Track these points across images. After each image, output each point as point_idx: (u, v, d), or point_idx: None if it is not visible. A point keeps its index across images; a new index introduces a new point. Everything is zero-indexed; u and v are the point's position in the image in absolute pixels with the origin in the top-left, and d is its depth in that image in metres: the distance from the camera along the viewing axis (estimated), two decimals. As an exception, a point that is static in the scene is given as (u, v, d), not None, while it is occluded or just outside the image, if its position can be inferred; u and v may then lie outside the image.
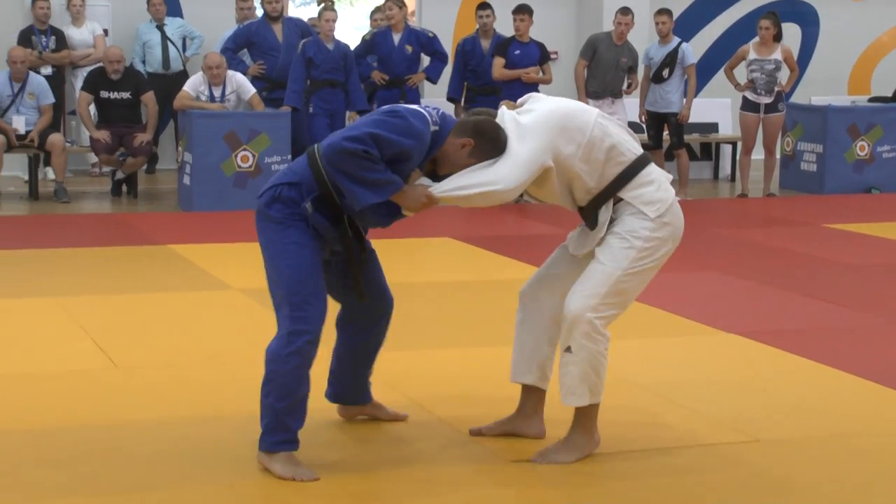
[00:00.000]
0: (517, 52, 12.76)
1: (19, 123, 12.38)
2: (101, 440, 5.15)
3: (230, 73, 12.30)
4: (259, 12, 13.78)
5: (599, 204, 4.87)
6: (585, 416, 4.97)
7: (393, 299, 5.25)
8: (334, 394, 5.36)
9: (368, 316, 5.20)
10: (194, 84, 12.24)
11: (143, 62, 14.29)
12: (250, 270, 8.76)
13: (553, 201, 4.97)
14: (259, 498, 4.65)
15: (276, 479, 4.69)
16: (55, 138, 12.43)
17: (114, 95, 12.64)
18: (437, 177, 4.81)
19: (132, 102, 12.72)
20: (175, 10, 14.96)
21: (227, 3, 14.71)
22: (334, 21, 12.48)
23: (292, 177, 4.88)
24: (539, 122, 4.74)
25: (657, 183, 4.90)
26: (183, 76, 13.98)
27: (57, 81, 13.57)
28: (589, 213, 4.91)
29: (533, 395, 5.18)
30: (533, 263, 9.10)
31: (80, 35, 14.26)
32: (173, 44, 14.51)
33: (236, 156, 11.88)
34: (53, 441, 5.13)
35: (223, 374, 6.25)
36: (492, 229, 10.84)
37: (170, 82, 14.00)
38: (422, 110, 4.78)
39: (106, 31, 14.53)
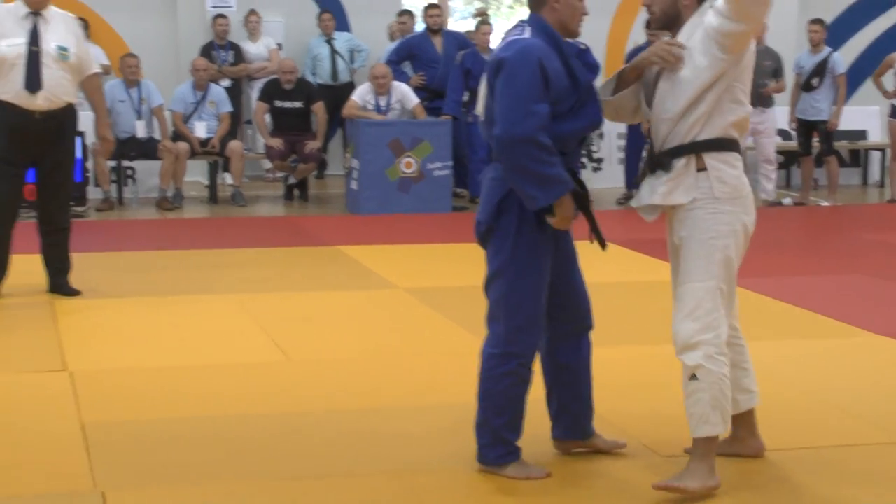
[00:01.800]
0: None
1: (200, 130, 12.68)
2: (278, 428, 5.28)
3: (395, 83, 12.45)
4: (419, 26, 13.94)
5: (682, 153, 4.53)
6: (707, 446, 4.51)
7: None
8: (562, 432, 4.97)
9: (573, 325, 4.86)
10: (361, 93, 12.42)
11: (314, 74, 14.53)
12: (414, 271, 8.96)
13: (662, 112, 4.58)
14: (464, 485, 4.66)
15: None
16: (234, 145, 12.73)
17: (287, 105, 12.91)
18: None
19: (304, 111, 12.97)
20: (343, 25, 15.19)
21: (391, 17, 14.93)
22: (490, 34, 12.56)
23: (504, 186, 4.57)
24: None
25: (739, 171, 4.57)
26: (350, 87, 14.19)
27: (235, 92, 13.86)
28: (665, 159, 4.57)
29: (744, 417, 4.85)
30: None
31: (256, 49, 14.58)
32: (341, 57, 14.73)
33: (400, 162, 12.02)
34: (233, 427, 5.27)
35: (389, 367, 6.34)
36: (643, 233, 10.76)
37: (338, 93, 14.21)
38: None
39: (280, 46, 14.82)
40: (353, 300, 8.05)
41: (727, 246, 4.49)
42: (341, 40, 14.79)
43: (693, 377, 4.47)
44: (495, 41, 12.86)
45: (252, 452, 4.97)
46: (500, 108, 4.46)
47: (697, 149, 4.50)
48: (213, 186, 13.01)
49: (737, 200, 4.51)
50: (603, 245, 4.72)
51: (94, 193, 12.33)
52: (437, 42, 13.22)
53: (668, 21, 4.61)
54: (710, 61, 4.43)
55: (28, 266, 8.00)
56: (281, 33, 15.10)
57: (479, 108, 4.72)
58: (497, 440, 4.65)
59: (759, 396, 4.86)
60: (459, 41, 13.18)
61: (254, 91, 14.30)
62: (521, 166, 4.43)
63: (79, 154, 11.70)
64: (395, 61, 13.16)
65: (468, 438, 4.72)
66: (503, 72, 4.48)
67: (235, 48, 14.24)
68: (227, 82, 13.96)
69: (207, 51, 13.94)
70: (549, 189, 4.43)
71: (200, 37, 14.43)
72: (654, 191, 4.58)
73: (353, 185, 12.25)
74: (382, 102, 12.36)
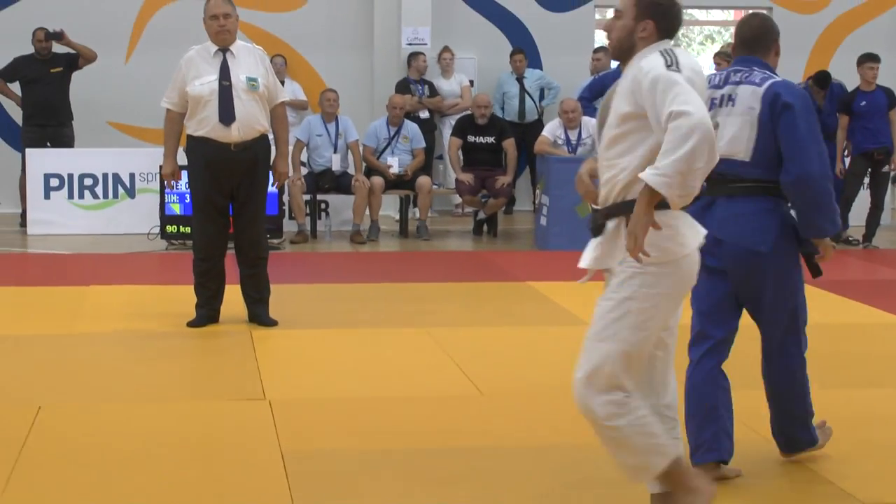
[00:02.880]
0: (863, 102, 12.38)
1: (393, 164, 12.83)
2: (473, 462, 5.28)
3: (585, 118, 12.42)
4: (613, 63, 13.88)
5: (613, 214, 4.31)
6: (674, 477, 4.36)
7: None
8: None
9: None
10: (552, 129, 12.44)
11: (502, 110, 14.61)
12: (605, 308, 8.86)
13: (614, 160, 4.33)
14: None
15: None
16: (422, 180, 12.83)
17: (479, 140, 12.98)
18: None
19: (495, 147, 13.02)
20: (535, 62, 15.24)
21: (584, 52, 14.94)
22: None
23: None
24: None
25: (674, 231, 4.22)
26: (537, 125, 14.23)
27: (428, 127, 14.00)
28: (601, 219, 4.40)
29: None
30: (882, 308, 8.86)
31: (449, 86, 14.71)
32: (530, 95, 14.79)
33: (590, 199, 11.94)
34: (428, 460, 5.28)
35: (581, 405, 6.29)
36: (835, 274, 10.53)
37: (525, 130, 14.29)
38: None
39: (471, 82, 14.93)
40: (543, 336, 8.00)
41: (643, 310, 4.25)
42: (532, 78, 14.84)
43: (609, 434, 4.34)
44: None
45: (446, 485, 4.98)
46: (794, 148, 4.83)
47: (627, 209, 4.21)
48: (403, 220, 13.14)
49: (666, 265, 4.23)
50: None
51: (289, 226, 12.54)
52: None
53: (622, 52, 4.41)
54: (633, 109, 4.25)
55: (228, 296, 8.17)
56: (473, 70, 15.22)
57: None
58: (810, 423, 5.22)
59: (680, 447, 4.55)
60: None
61: (445, 127, 14.44)
62: (818, 202, 4.85)
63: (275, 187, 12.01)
64: (588, 98, 13.14)
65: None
66: (792, 114, 4.83)
67: (429, 84, 14.39)
68: (425, 114, 14.10)
69: (404, 86, 14.10)
70: (836, 223, 4.92)
71: (395, 73, 14.63)
72: (588, 254, 4.53)
73: (543, 220, 12.25)
74: (572, 137, 12.35)
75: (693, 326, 5.19)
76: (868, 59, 12.60)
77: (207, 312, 8.09)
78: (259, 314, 8.11)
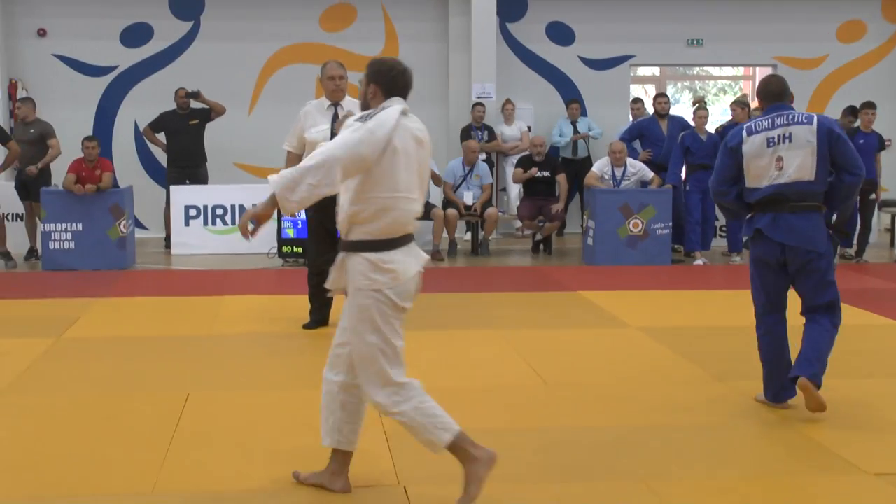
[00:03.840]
0: (861, 141, 12.23)
1: (468, 197, 12.84)
2: (540, 439, 5.28)
3: (630, 159, 12.41)
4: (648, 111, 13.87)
5: (343, 249, 4.36)
6: (458, 449, 4.36)
7: None
8: None
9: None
10: (601, 165, 12.40)
11: (558, 148, 14.64)
12: (645, 312, 8.83)
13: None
14: (704, 488, 4.65)
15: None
16: (491, 211, 12.79)
17: (537, 175, 12.97)
18: None
19: (550, 180, 12.99)
20: (581, 110, 15.25)
21: (621, 103, 14.94)
22: (706, 118, 12.35)
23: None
24: None
25: (374, 267, 4.25)
26: (587, 161, 14.24)
27: (489, 166, 14.02)
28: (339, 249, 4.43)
29: (338, 457, 4.60)
30: (874, 312, 8.73)
31: (510, 131, 14.71)
32: (592, 134, 14.82)
33: (629, 222, 11.93)
34: (505, 437, 5.25)
35: (629, 392, 6.26)
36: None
37: (577, 165, 14.29)
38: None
39: (529, 128, 14.93)
40: (593, 335, 7.98)
41: (370, 319, 4.29)
42: (582, 123, 14.82)
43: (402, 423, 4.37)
44: (710, 125, 12.72)
45: (522, 458, 4.98)
46: (850, 160, 5.59)
47: (348, 247, 4.35)
48: (474, 241, 13.15)
49: (371, 291, 4.27)
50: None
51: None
52: (664, 124, 13.14)
53: (365, 109, 4.49)
54: None
55: (336, 304, 8.20)
56: (531, 117, 15.22)
57: (794, 172, 5.58)
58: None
59: (356, 445, 4.57)
60: (681, 124, 13.01)
61: (508, 165, 14.45)
62: (857, 194, 5.83)
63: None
64: (627, 139, 13.15)
65: (698, 452, 4.61)
66: (843, 139, 5.61)
67: (489, 129, 14.40)
68: (482, 156, 14.12)
69: (466, 132, 14.14)
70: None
71: (466, 121, 14.67)
72: (329, 277, 4.50)
73: (589, 241, 12.20)
74: (618, 173, 12.30)
75: (762, 305, 5.83)
76: (867, 106, 12.53)
77: (319, 317, 8.14)
78: (319, 320, 8.17)
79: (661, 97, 13.46)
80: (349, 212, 4.29)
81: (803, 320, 5.79)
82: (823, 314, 5.71)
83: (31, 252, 12.36)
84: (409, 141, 4.36)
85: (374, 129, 4.26)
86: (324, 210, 7.87)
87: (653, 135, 13.16)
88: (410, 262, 4.36)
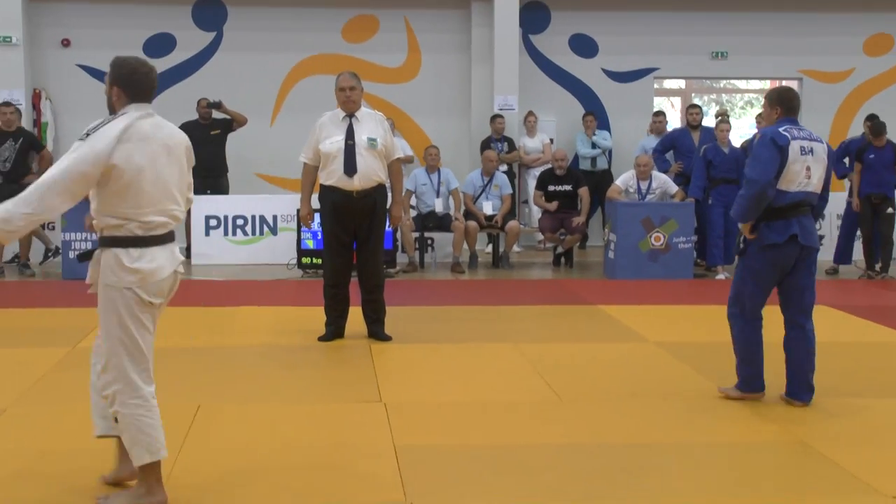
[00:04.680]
0: (872, 155, 12.08)
1: (487, 208, 12.77)
2: (555, 456, 5.18)
3: (655, 172, 12.32)
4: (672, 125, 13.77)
5: (99, 245, 4.40)
6: (147, 473, 4.35)
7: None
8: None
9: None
10: (625, 179, 12.32)
11: (579, 163, 14.54)
12: (665, 327, 8.73)
13: None
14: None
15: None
16: (512, 224, 12.71)
17: (558, 188, 12.88)
18: None
19: (572, 194, 12.90)
20: (604, 124, 15.17)
21: (645, 115, 14.86)
22: (728, 131, 12.22)
23: None
24: None
25: (116, 266, 4.30)
26: (607, 174, 14.17)
27: (510, 177, 13.98)
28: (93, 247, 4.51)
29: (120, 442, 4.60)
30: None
31: (533, 143, 14.65)
32: (600, 149, 14.70)
33: (651, 236, 11.83)
34: (518, 454, 5.19)
35: (646, 408, 6.15)
36: (858, 300, 10.30)
37: (596, 178, 14.23)
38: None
39: (551, 140, 14.86)
40: (612, 350, 7.87)
41: (110, 318, 4.34)
42: (600, 137, 14.73)
43: (115, 419, 4.42)
44: (736, 138, 12.60)
45: (534, 476, 4.88)
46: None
47: (101, 243, 4.40)
48: (494, 254, 13.09)
49: (112, 288, 4.32)
50: None
51: (401, 258, 12.54)
52: (696, 136, 13.01)
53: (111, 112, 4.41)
54: None
55: (352, 316, 8.16)
56: (553, 130, 15.15)
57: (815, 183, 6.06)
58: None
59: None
60: (714, 136, 12.88)
61: (530, 176, 14.38)
62: None
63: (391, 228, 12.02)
64: (660, 151, 13.11)
65: (715, 471, 4.51)
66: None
67: (509, 141, 14.34)
68: (503, 167, 14.06)
69: (486, 144, 14.08)
70: None
71: (488, 133, 14.62)
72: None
73: (611, 254, 12.11)
74: (643, 186, 12.21)
75: (759, 306, 6.17)
76: (867, 119, 12.45)
77: (335, 330, 8.08)
78: (376, 332, 8.09)
79: (693, 108, 13.32)
80: (97, 219, 4.36)
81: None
82: (808, 317, 6.17)
83: (47, 253, 12.41)
84: (157, 153, 4.34)
85: (95, 143, 4.21)
86: (340, 221, 7.85)
87: (684, 146, 13.02)
88: (161, 261, 4.37)
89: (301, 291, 10.71)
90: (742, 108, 23.37)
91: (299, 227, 11.87)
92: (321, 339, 8.04)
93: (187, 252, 13.32)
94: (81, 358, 7.41)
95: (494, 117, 14.28)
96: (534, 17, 15.26)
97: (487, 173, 12.87)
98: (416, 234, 12.72)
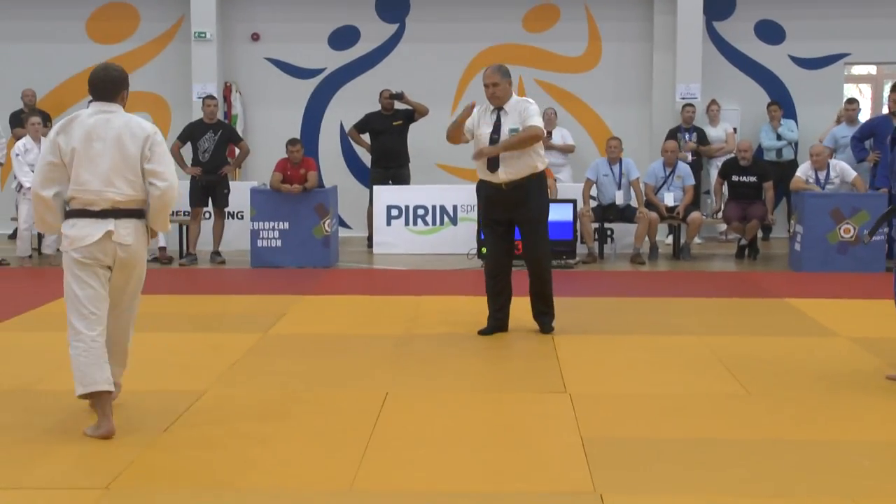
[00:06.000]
0: None
1: (668, 199, 12.62)
2: (743, 451, 5.08)
3: (833, 161, 11.98)
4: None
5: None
6: (96, 408, 5.29)
7: None
8: None
9: None
10: (804, 170, 12.07)
11: (763, 154, 14.22)
12: (857, 322, 8.45)
13: None
14: None
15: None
16: (695, 216, 12.52)
17: (742, 179, 12.63)
18: None
19: (757, 185, 12.63)
20: (790, 113, 14.77)
21: (835, 103, 14.42)
22: (928, 117, 11.75)
23: None
24: None
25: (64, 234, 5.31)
26: (793, 163, 13.79)
27: (696, 167, 13.76)
28: None
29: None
30: None
31: (716, 132, 14.40)
32: (785, 140, 14.33)
33: (840, 228, 11.47)
34: (706, 448, 5.12)
35: (839, 404, 5.97)
36: None
37: (783, 168, 13.88)
38: None
39: (735, 130, 14.57)
40: (800, 344, 7.68)
41: (66, 279, 5.34)
42: (786, 127, 14.35)
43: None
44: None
45: (717, 470, 4.82)
46: None
47: None
48: (675, 245, 12.91)
49: (66, 254, 5.33)
50: None
51: (581, 249, 12.50)
52: None
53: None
54: None
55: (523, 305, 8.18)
56: (737, 119, 14.84)
57: None
58: None
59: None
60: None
61: (713, 168, 14.13)
62: None
63: (570, 217, 12.01)
64: (858, 138, 12.69)
65: None
66: None
67: (699, 130, 14.12)
68: (690, 157, 13.86)
69: (672, 134, 13.89)
70: None
71: (670, 122, 14.44)
72: None
73: (797, 246, 11.79)
74: (821, 176, 11.88)
75: None
76: None
77: (496, 322, 8.00)
78: (542, 323, 8.03)
79: (893, 92, 12.80)
80: None
81: None
82: None
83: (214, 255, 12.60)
84: (91, 141, 5.25)
85: (50, 134, 5.35)
86: (493, 211, 7.82)
87: (884, 134, 12.44)
88: (89, 230, 5.26)
89: (481, 281, 10.76)
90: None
91: (479, 217, 11.95)
92: (481, 332, 7.96)
93: (369, 241, 13.58)
94: (274, 343, 7.69)
95: (685, 106, 14.09)
96: (718, 2, 14.95)
97: (668, 163, 12.70)
98: (596, 225, 12.65)
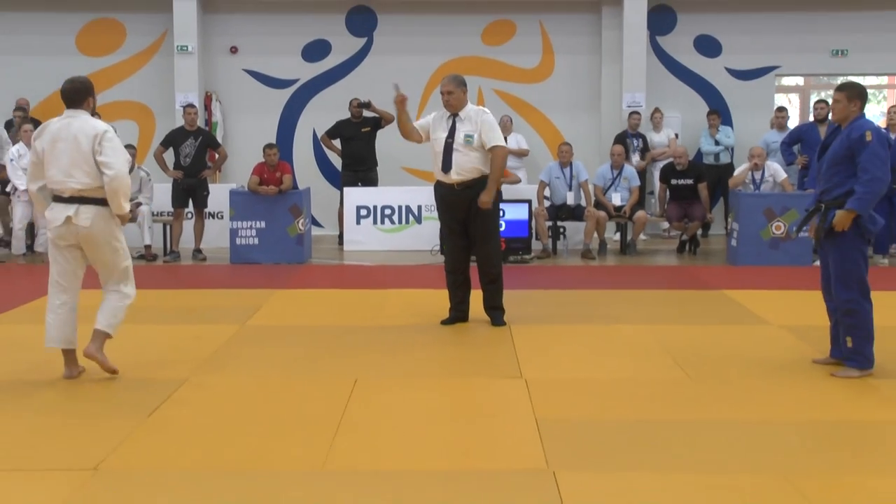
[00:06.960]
0: None
1: (616, 199, 12.64)
2: (686, 431, 5.11)
3: (768, 162, 12.05)
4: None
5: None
6: (63, 357, 6.10)
7: None
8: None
9: None
10: (741, 170, 12.12)
11: (703, 158, 14.31)
12: (788, 311, 8.50)
13: None
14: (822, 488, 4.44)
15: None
16: (640, 214, 12.56)
17: (680, 182, 12.68)
18: None
19: (693, 187, 12.67)
20: (727, 120, 14.87)
21: (766, 114, 14.48)
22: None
23: None
24: None
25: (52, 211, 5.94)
26: (729, 167, 13.87)
27: (641, 170, 13.83)
28: None
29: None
30: None
31: (659, 138, 14.45)
32: (723, 146, 14.41)
33: (772, 225, 11.54)
34: (651, 428, 5.15)
35: (772, 387, 5.99)
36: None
37: (720, 170, 14.03)
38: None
39: (676, 135, 14.62)
40: (736, 332, 7.71)
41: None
42: (723, 134, 14.44)
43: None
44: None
45: (668, 448, 4.83)
46: None
47: None
48: (622, 241, 12.95)
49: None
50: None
51: (535, 245, 12.50)
52: (822, 130, 12.59)
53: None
54: None
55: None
56: (678, 125, 14.90)
57: None
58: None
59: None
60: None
61: (656, 169, 14.18)
62: None
63: (526, 216, 12.01)
64: (788, 143, 12.81)
65: (841, 448, 4.38)
66: None
67: (643, 137, 14.17)
68: (636, 160, 13.91)
69: (620, 139, 13.92)
70: None
71: (617, 128, 14.48)
72: None
73: (734, 242, 11.85)
74: (757, 176, 11.95)
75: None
76: None
77: (456, 314, 7.99)
78: (493, 317, 7.97)
79: (819, 103, 12.93)
80: None
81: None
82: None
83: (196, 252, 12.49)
84: (56, 142, 5.90)
85: (32, 141, 6.06)
86: (447, 211, 7.79)
87: (811, 139, 12.61)
88: (57, 213, 5.91)
89: (443, 276, 10.75)
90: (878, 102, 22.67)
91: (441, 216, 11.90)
92: (443, 322, 7.93)
93: (339, 239, 13.53)
94: (251, 334, 7.63)
95: (631, 114, 14.15)
96: (661, 19, 15.02)
97: (616, 167, 12.74)
98: (550, 223, 12.66)
